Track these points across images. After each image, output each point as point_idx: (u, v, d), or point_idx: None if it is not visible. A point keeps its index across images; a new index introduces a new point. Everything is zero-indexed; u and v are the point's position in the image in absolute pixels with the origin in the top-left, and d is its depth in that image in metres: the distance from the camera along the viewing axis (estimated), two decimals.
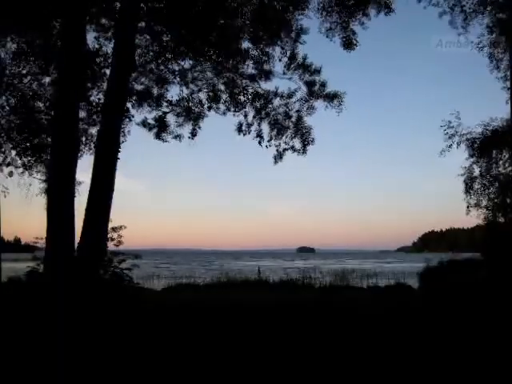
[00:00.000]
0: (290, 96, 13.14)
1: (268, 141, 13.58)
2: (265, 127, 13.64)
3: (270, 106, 13.31)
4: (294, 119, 13.32)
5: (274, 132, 13.51)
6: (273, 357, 5.63)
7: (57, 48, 10.03)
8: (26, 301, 7.27)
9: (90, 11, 10.48)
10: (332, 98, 12.69)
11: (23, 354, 5.30)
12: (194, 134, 13.74)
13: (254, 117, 13.51)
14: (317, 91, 12.75)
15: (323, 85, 12.73)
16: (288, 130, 13.40)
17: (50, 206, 8.07)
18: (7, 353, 5.38)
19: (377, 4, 11.68)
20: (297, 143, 13.37)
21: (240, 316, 8.70)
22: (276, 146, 13.50)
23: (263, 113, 13.37)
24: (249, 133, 13.70)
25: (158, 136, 13.51)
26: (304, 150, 13.36)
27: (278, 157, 13.54)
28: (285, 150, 13.47)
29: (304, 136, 13.27)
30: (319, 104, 12.99)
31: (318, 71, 12.70)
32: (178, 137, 13.67)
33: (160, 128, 13.37)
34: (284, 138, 13.48)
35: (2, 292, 8.20)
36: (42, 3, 10.29)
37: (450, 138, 14.15)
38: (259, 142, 13.54)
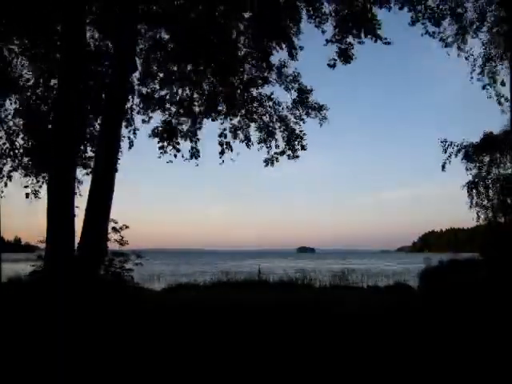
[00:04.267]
0: (278, 104, 13.21)
1: (258, 143, 13.58)
2: (256, 132, 13.64)
3: (261, 109, 13.32)
4: (282, 125, 13.32)
5: (264, 136, 13.51)
6: (273, 356, 5.64)
7: (58, 49, 10.03)
8: (26, 301, 7.28)
9: (89, 11, 10.49)
10: (315, 109, 12.81)
11: (23, 354, 5.31)
12: (195, 134, 13.81)
13: (243, 119, 13.51)
14: (302, 101, 12.85)
15: (307, 97, 12.81)
16: (277, 134, 13.41)
17: (50, 206, 8.09)
18: (7, 353, 5.39)
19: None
20: (288, 149, 13.35)
21: (240, 316, 8.71)
22: (267, 147, 13.50)
23: (254, 116, 13.38)
24: (245, 140, 13.71)
25: (169, 142, 13.44)
26: (294, 156, 13.31)
27: (270, 162, 13.52)
28: (276, 153, 13.41)
29: (293, 142, 13.26)
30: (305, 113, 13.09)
31: (308, 89, 12.80)
32: (184, 136, 13.73)
33: (169, 134, 13.31)
34: (274, 142, 13.49)
35: (2, 292, 8.22)
36: (43, 3, 10.29)
37: (446, 150, 14.85)
38: (247, 145, 13.55)
